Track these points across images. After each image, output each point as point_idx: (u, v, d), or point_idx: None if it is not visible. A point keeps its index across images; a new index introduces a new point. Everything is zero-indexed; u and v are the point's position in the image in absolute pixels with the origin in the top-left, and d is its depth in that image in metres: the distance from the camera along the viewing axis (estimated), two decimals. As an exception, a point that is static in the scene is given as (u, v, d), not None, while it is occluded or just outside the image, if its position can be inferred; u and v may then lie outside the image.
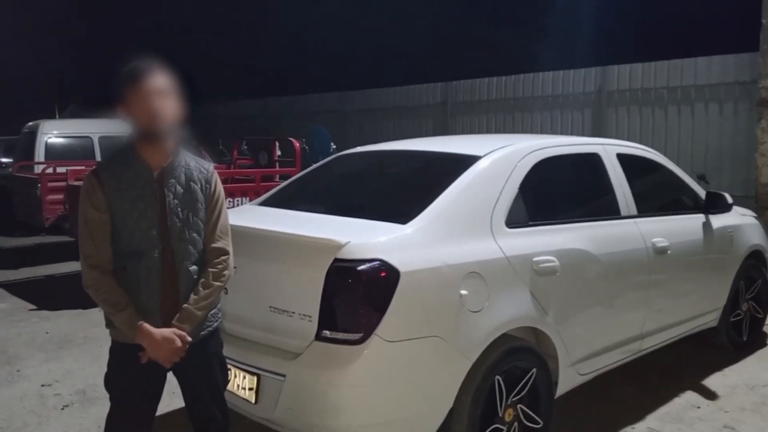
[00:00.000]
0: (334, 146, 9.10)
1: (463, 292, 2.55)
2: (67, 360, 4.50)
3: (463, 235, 2.70)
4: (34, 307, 5.98)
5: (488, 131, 11.03)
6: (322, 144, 9.22)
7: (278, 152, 8.33)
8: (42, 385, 4.04)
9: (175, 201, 2.12)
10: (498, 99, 11.18)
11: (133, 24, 21.11)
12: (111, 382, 2.18)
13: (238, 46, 20.42)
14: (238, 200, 6.41)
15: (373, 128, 12.63)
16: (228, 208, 2.35)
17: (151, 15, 20.98)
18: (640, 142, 7.92)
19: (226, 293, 2.79)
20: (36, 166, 8.71)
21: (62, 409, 3.70)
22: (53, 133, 9.62)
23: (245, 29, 20.62)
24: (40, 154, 9.31)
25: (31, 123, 9.95)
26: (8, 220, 8.82)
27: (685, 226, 3.95)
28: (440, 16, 17.04)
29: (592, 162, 3.54)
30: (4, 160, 11.68)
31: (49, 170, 7.71)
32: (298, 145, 7.83)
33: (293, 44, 19.53)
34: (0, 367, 4.40)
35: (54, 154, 9.25)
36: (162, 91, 2.05)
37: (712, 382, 4.01)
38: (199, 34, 20.69)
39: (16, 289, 6.75)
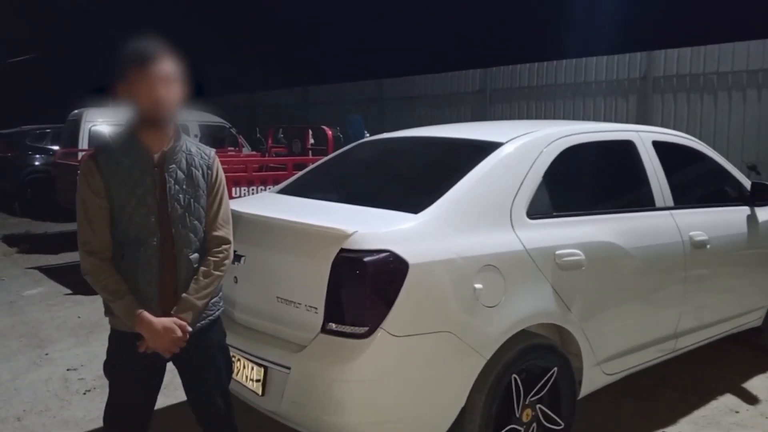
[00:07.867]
0: (368, 134, 9.02)
1: (478, 286, 2.42)
2: (95, 345, 4.56)
3: (479, 226, 2.57)
4: (70, 291, 6.11)
5: (528, 119, 10.76)
6: (357, 132, 9.15)
7: (311, 140, 8.29)
8: (68, 369, 4.10)
9: (176, 187, 2.06)
10: (538, 86, 10.90)
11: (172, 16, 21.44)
12: (110, 370, 2.14)
13: (281, 37, 20.51)
14: (270, 188, 6.37)
15: (411, 116, 12.49)
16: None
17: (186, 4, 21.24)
18: (687, 130, 7.61)
19: (236, 282, 2.75)
20: (79, 154, 8.90)
21: (84, 393, 3.73)
22: (97, 121, 9.81)
23: (286, 20, 20.69)
24: (83, 142, 9.50)
25: (75, 111, 10.15)
26: (54, 206, 9.05)
27: (728, 218, 3.70)
28: (479, 2, 16.71)
29: (624, 150, 3.34)
30: (53, 147, 12.02)
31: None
32: (330, 133, 7.77)
33: (333, 34, 19.49)
34: (30, 350, 4.50)
35: (97, 141, 9.43)
36: (168, 77, 1.99)
37: (754, 385, 3.78)
38: (241, 25, 20.86)
39: (55, 273, 6.92)
